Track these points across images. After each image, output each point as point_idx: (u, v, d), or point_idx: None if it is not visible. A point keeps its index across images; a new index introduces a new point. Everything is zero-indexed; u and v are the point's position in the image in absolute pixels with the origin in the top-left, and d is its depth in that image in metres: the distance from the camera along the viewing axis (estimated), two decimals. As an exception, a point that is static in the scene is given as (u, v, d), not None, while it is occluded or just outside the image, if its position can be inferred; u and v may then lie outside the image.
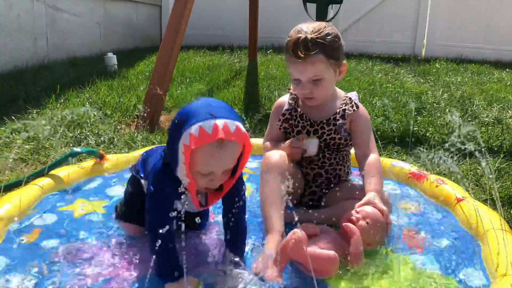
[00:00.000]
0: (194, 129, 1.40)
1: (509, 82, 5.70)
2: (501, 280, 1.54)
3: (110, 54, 5.81)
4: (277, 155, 1.95)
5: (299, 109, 2.15)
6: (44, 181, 2.23)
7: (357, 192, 1.94)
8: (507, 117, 4.03)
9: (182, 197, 1.50)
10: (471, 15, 8.07)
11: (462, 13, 8.15)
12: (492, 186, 2.17)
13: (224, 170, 1.51)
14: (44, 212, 2.06)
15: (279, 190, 1.83)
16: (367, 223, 1.77)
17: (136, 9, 8.63)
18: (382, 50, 8.45)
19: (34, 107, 3.77)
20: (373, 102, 4.20)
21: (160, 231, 1.44)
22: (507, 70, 6.85)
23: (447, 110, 4.19)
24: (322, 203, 2.11)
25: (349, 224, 1.75)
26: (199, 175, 1.51)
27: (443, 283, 1.63)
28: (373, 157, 2.03)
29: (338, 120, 2.09)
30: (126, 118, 3.68)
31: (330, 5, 5.18)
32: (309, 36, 1.92)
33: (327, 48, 1.93)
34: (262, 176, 1.93)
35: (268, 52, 7.91)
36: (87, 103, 3.97)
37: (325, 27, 1.96)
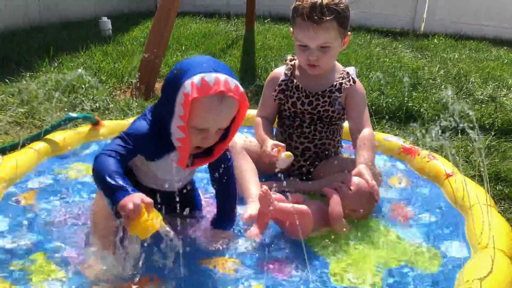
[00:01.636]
0: (196, 79, 1.38)
1: (506, 61, 5.71)
2: (482, 252, 1.60)
3: (104, 19, 5.71)
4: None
5: (295, 80, 2.16)
6: (40, 145, 2.25)
7: (346, 166, 1.98)
8: (501, 95, 4.06)
9: (171, 156, 1.50)
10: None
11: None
12: (480, 162, 2.21)
13: (218, 129, 1.49)
14: (40, 175, 2.09)
15: (253, 166, 2.02)
16: (350, 189, 1.83)
17: (132, -28, 8.42)
18: (381, 24, 8.35)
19: (27, 70, 3.74)
20: (370, 76, 4.20)
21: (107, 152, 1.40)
22: (505, 48, 6.84)
23: (442, 86, 4.20)
24: (310, 176, 2.17)
25: (328, 188, 1.84)
26: (193, 132, 1.46)
27: (425, 253, 1.70)
28: (366, 131, 2.06)
29: (334, 92, 2.11)
30: (121, 85, 3.66)
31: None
32: (324, 2, 1.93)
33: (340, 16, 1.96)
34: (238, 150, 2.03)
35: (266, 21, 7.80)
36: (81, 67, 3.94)
37: None
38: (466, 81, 4.45)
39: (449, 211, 1.99)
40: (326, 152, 2.19)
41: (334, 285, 1.50)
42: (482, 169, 2.20)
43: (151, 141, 1.49)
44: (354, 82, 2.12)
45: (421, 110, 3.37)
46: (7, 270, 1.47)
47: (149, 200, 1.30)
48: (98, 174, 1.37)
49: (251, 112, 2.88)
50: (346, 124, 2.21)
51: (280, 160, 1.91)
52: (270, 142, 1.99)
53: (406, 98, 3.44)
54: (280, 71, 2.23)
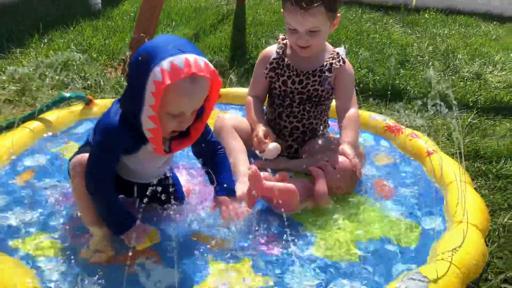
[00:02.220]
0: (165, 64, 1.33)
1: (494, 36, 5.76)
2: (456, 226, 1.71)
3: (94, -8, 5.63)
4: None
5: (286, 59, 2.21)
6: (35, 124, 2.30)
7: (332, 146, 2.06)
8: (487, 72, 4.13)
9: (143, 147, 1.51)
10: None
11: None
12: (459, 140, 2.30)
13: (193, 111, 1.47)
14: (36, 154, 2.15)
15: (242, 144, 2.12)
16: (334, 168, 1.93)
17: None
18: (373, -3, 8.30)
19: (18, 46, 3.73)
20: (359, 53, 4.24)
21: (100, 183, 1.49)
22: (494, 22, 6.87)
23: (430, 63, 4.26)
24: (297, 155, 2.25)
25: (314, 167, 1.95)
26: (168, 118, 1.43)
27: (405, 226, 1.81)
28: (352, 111, 2.14)
29: (324, 72, 2.17)
30: (113, 61, 3.68)
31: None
32: None
33: (329, 1, 1.99)
34: (229, 130, 2.13)
35: (257, -5, 7.71)
36: (72, 44, 3.93)
37: None
38: (453, 58, 4.51)
39: (429, 187, 2.09)
40: (314, 132, 2.26)
41: (317, 258, 1.61)
42: (461, 147, 2.29)
43: (126, 136, 1.47)
44: (344, 62, 2.18)
45: (408, 88, 3.44)
46: (7, 248, 1.54)
47: (148, 229, 1.54)
48: (98, 207, 1.53)
49: (242, 91, 2.95)
50: (333, 103, 2.28)
51: (267, 150, 2.00)
52: (262, 128, 2.07)
53: (392, 78, 3.49)
54: (272, 49, 2.27)
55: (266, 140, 2.02)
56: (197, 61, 1.36)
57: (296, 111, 2.21)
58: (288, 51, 2.23)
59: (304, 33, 2.06)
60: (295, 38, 2.09)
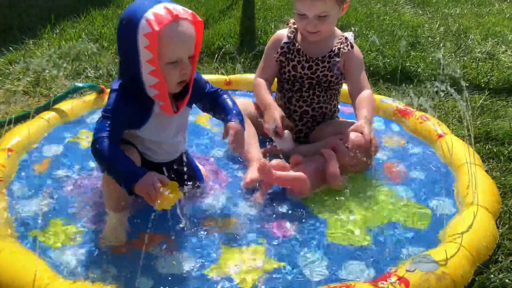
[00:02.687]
0: (148, 15, 1.40)
1: (508, 15, 5.64)
2: (467, 208, 1.72)
3: (103, -19, 5.63)
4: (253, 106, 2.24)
5: (297, 44, 2.22)
6: (50, 115, 2.36)
7: (342, 129, 2.08)
8: (500, 52, 4.07)
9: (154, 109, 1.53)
10: None
11: None
12: (469, 123, 2.29)
13: (189, 56, 1.52)
14: (52, 144, 2.20)
15: (254, 129, 2.13)
16: (347, 147, 1.94)
17: None
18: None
19: (30, 37, 3.78)
20: (369, 36, 4.21)
21: (106, 137, 1.43)
22: (508, 0, 6.72)
23: (441, 44, 4.21)
24: (307, 139, 2.27)
25: (325, 149, 1.96)
26: (169, 69, 1.48)
27: (415, 209, 1.83)
28: (366, 92, 2.15)
29: (332, 58, 2.17)
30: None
31: None
32: None
33: None
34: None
35: (266, -22, 7.64)
36: (83, 34, 3.97)
37: None
38: (465, 38, 4.45)
39: (439, 170, 2.09)
40: (324, 116, 2.28)
41: (328, 242, 1.64)
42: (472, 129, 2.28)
43: (131, 106, 1.51)
44: (352, 47, 2.18)
45: (418, 70, 3.41)
46: (26, 238, 1.60)
47: (162, 176, 1.41)
48: (104, 164, 1.45)
49: (251, 77, 2.96)
50: (345, 87, 2.29)
51: (283, 139, 2.03)
52: (278, 112, 2.08)
53: (402, 60, 3.46)
54: (283, 33, 2.27)
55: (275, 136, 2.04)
56: (175, 7, 1.46)
57: (306, 96, 2.23)
58: (299, 36, 2.23)
59: (313, 18, 2.07)
60: (304, 23, 2.10)
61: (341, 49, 2.17)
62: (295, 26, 2.25)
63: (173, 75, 1.50)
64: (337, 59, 2.17)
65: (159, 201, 1.38)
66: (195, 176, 1.85)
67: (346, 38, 2.20)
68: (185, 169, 1.59)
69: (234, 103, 1.79)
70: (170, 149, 1.71)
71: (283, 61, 2.23)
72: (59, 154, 2.12)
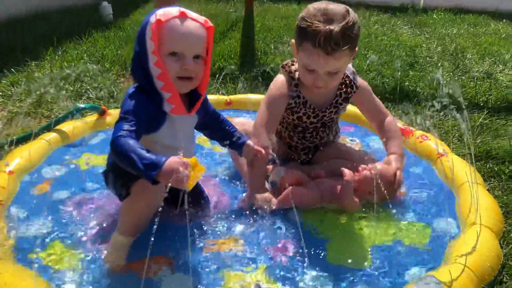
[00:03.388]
0: (157, 11, 1.52)
1: (503, 35, 5.72)
2: (469, 228, 1.71)
3: (105, 3, 5.73)
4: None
5: (301, 95, 2.05)
6: (51, 136, 2.36)
7: (345, 152, 2.08)
8: (497, 71, 4.11)
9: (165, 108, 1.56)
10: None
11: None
12: (469, 142, 2.30)
13: (194, 56, 1.55)
14: (53, 165, 2.20)
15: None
16: (371, 173, 1.91)
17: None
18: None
19: (33, 59, 3.82)
20: (367, 56, 4.25)
21: (126, 129, 1.42)
22: (504, 21, 6.82)
23: (439, 64, 4.26)
24: (310, 162, 2.26)
25: (345, 169, 1.93)
26: (169, 60, 1.52)
27: (418, 229, 1.82)
28: (388, 120, 2.12)
29: (341, 104, 2.11)
30: (125, 71, 3.74)
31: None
32: (338, 29, 1.74)
33: (354, 41, 1.81)
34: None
35: (265, 0, 7.78)
36: (84, 55, 4.01)
37: (349, 13, 1.80)
38: (463, 58, 4.50)
39: (441, 189, 2.09)
40: (326, 144, 2.25)
41: (330, 263, 1.62)
42: (472, 148, 2.29)
43: (147, 105, 1.54)
44: (357, 87, 2.09)
45: (417, 89, 3.44)
46: (27, 259, 1.58)
47: (181, 159, 1.35)
48: (124, 158, 1.38)
49: (252, 97, 2.99)
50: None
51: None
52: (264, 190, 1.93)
53: (399, 80, 3.49)
54: (283, 85, 2.03)
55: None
56: (189, 11, 1.55)
57: (308, 136, 2.18)
58: (301, 87, 2.05)
59: (323, 74, 1.88)
60: (311, 77, 1.91)
61: (348, 94, 2.09)
62: (296, 72, 2.03)
63: (173, 67, 1.54)
64: (345, 104, 2.11)
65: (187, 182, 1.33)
66: (201, 195, 1.86)
67: (348, 76, 2.08)
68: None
69: (234, 126, 1.87)
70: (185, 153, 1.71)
71: (288, 112, 2.09)
72: (59, 176, 2.12)
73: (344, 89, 2.08)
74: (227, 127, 1.86)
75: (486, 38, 5.50)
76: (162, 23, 1.49)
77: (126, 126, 1.45)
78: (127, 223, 1.61)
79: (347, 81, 2.08)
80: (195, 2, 7.37)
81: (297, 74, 2.03)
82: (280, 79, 2.07)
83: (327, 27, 1.74)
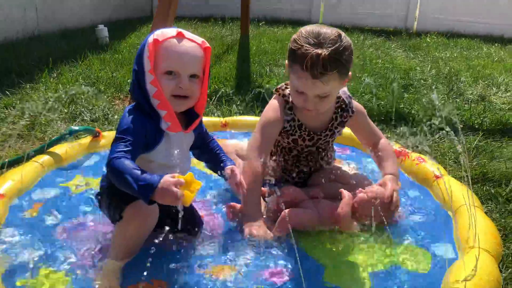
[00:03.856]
0: (156, 32, 1.56)
1: (496, 58, 5.80)
2: (468, 252, 1.69)
3: (101, 26, 5.78)
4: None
5: (296, 118, 2.04)
6: (44, 158, 2.33)
7: (340, 176, 2.06)
8: (491, 94, 4.15)
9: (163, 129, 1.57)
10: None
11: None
12: (466, 164, 2.29)
13: (190, 75, 1.56)
14: (45, 188, 2.16)
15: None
16: (367, 195, 1.89)
17: (127, -22, 8.50)
18: (374, 23, 8.44)
19: (28, 81, 3.82)
20: (362, 79, 4.28)
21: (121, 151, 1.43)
22: (496, 44, 6.94)
23: (433, 87, 4.29)
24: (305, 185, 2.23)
25: (344, 190, 1.92)
26: (164, 79, 1.54)
27: (415, 253, 1.79)
28: (383, 142, 2.13)
29: (336, 128, 2.11)
30: (120, 94, 3.74)
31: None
32: (326, 53, 1.73)
33: (343, 67, 1.79)
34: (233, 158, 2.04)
35: (261, 24, 7.88)
36: (80, 78, 4.02)
37: (341, 38, 1.79)
38: (457, 81, 4.54)
39: (438, 212, 2.07)
40: (321, 168, 2.24)
41: (327, 287, 1.59)
42: (466, 171, 2.28)
43: (144, 124, 1.55)
44: (353, 112, 2.09)
45: (412, 112, 3.45)
46: (14, 285, 1.53)
47: (175, 177, 1.37)
48: (120, 179, 1.40)
49: (248, 119, 2.98)
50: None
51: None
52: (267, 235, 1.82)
53: (395, 102, 3.51)
54: (277, 110, 2.02)
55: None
56: (187, 32, 1.59)
57: (303, 160, 2.17)
58: (296, 110, 2.04)
59: (312, 97, 1.87)
60: (302, 100, 1.90)
61: (344, 119, 2.09)
62: (289, 95, 2.03)
63: (168, 86, 1.56)
64: (341, 128, 2.12)
65: (183, 200, 1.36)
66: (195, 218, 1.84)
67: (343, 100, 2.08)
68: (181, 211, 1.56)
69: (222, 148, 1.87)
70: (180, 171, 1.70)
71: (283, 135, 2.08)
72: (51, 199, 2.08)
73: (340, 113, 2.08)
74: (214, 149, 1.84)
75: (479, 61, 5.58)
76: (159, 43, 1.53)
77: (122, 147, 1.46)
78: (119, 247, 1.59)
79: (343, 105, 2.08)
80: (192, 26, 7.46)
81: (288, 97, 2.03)
82: (274, 103, 2.06)
83: (315, 51, 1.74)
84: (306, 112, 1.96)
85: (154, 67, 1.53)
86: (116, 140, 1.51)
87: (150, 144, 1.59)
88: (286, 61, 1.93)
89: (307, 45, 1.77)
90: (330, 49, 1.74)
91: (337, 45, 1.76)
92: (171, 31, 1.57)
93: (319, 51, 1.74)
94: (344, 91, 2.09)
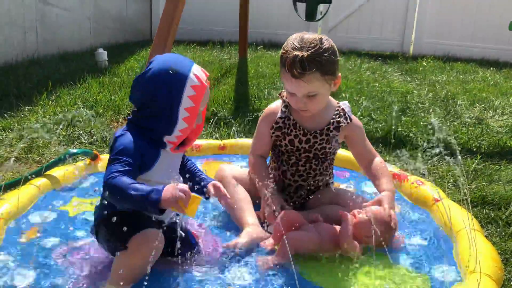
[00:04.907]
0: (195, 70, 1.63)
1: (492, 82, 5.86)
2: (469, 276, 1.66)
3: (100, 50, 5.83)
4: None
5: (291, 117, 2.14)
6: (41, 181, 2.31)
7: (340, 198, 2.05)
8: (488, 117, 4.17)
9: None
10: (459, 13, 8.20)
11: (450, 11, 8.27)
12: (465, 187, 2.29)
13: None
14: (41, 211, 2.14)
15: (247, 195, 2.12)
16: (367, 217, 1.88)
17: (126, 3, 8.62)
18: (371, 47, 8.55)
19: (26, 104, 3.82)
20: (360, 102, 4.31)
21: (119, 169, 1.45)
22: (491, 68, 7.02)
23: (431, 110, 4.32)
24: (303, 207, 2.22)
25: (344, 212, 1.90)
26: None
27: (416, 278, 1.76)
28: (377, 160, 2.14)
29: (331, 131, 2.13)
30: (118, 116, 3.75)
31: (320, 4, 5.27)
32: (305, 54, 1.89)
33: (323, 66, 1.92)
34: (230, 180, 2.14)
35: (259, 48, 7.98)
36: (78, 100, 4.03)
37: (321, 41, 1.94)
38: (453, 104, 4.58)
39: (438, 236, 2.05)
40: (319, 187, 2.24)
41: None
42: (465, 194, 2.27)
43: (140, 144, 1.57)
44: (351, 120, 2.14)
45: (410, 134, 3.46)
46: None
47: (179, 185, 1.43)
48: (122, 195, 1.41)
49: (246, 141, 2.98)
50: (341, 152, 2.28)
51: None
52: (280, 204, 2.01)
53: (394, 125, 3.52)
54: (276, 106, 2.19)
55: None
56: (202, 69, 1.70)
57: (302, 170, 2.17)
58: (292, 109, 2.16)
59: (302, 97, 2.00)
60: (293, 100, 2.05)
61: (341, 123, 2.12)
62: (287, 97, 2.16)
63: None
64: (336, 133, 2.13)
65: (187, 208, 1.44)
66: (191, 241, 1.82)
67: (343, 109, 2.15)
68: (182, 234, 1.63)
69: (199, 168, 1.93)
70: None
71: (279, 135, 2.15)
72: (48, 222, 2.06)
73: (338, 119, 2.14)
74: (193, 170, 1.89)
75: (475, 85, 5.63)
76: (205, 88, 1.65)
77: (118, 167, 1.47)
78: (123, 276, 1.56)
79: (342, 113, 2.15)
80: (190, 50, 7.54)
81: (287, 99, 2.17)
82: (269, 105, 2.26)
83: (295, 53, 1.91)
84: (302, 113, 2.09)
85: (197, 106, 1.63)
86: (111, 162, 1.51)
87: (148, 163, 1.59)
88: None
89: (290, 50, 1.94)
90: (309, 51, 1.91)
91: (316, 47, 1.92)
92: (203, 74, 1.67)
93: (298, 52, 1.91)
94: (345, 103, 2.21)
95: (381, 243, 1.85)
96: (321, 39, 1.95)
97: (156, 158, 1.62)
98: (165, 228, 1.58)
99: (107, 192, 1.45)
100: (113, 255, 1.61)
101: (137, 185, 1.42)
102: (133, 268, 1.55)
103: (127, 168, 1.48)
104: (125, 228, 1.47)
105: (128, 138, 1.57)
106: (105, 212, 1.61)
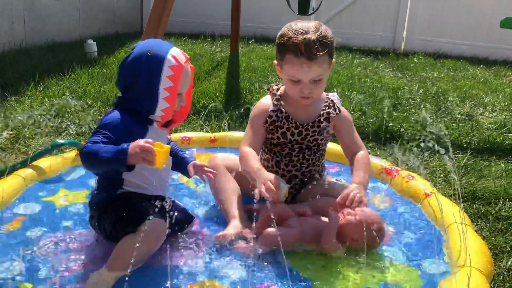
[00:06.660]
0: (173, 52, 1.70)
1: (482, 79, 5.89)
2: (459, 271, 1.66)
3: (89, 41, 5.75)
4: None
5: (284, 110, 2.14)
6: (27, 172, 2.27)
7: (331, 190, 2.04)
8: (478, 113, 4.19)
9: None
10: (450, 10, 8.23)
11: (441, 9, 8.30)
12: (456, 182, 2.29)
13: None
14: (27, 202, 2.10)
15: (236, 185, 2.13)
16: (355, 218, 1.86)
17: (117, -6, 8.51)
18: (362, 43, 8.54)
19: (13, 94, 3.75)
20: (351, 97, 4.30)
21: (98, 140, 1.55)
22: (481, 66, 7.05)
23: (422, 106, 4.33)
24: (295, 200, 2.21)
25: (332, 212, 1.89)
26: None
27: (406, 272, 1.76)
28: (361, 153, 2.13)
29: (322, 122, 2.14)
30: (107, 108, 3.69)
31: (312, -1, 5.24)
32: (314, 37, 1.93)
33: (331, 48, 1.99)
34: (221, 170, 2.13)
35: (250, 42, 7.93)
36: (67, 91, 3.96)
37: (320, 25, 1.99)
38: (444, 100, 4.59)
39: (429, 230, 2.05)
40: (312, 177, 2.23)
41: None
42: (457, 188, 2.27)
43: (129, 125, 1.66)
44: (340, 110, 2.16)
45: (401, 130, 3.46)
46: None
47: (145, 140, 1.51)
48: (93, 159, 1.52)
49: (237, 135, 2.95)
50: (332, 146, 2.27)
51: (280, 192, 1.91)
52: (272, 175, 1.93)
53: (385, 120, 3.52)
54: (267, 101, 2.18)
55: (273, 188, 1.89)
56: (182, 52, 1.77)
57: (295, 160, 2.17)
58: (285, 102, 2.15)
59: (308, 83, 2.01)
60: (298, 88, 2.02)
61: (330, 114, 2.13)
62: (279, 92, 2.17)
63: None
64: (327, 124, 2.13)
65: (157, 158, 1.50)
66: (187, 217, 1.91)
67: (332, 101, 2.17)
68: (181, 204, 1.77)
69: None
70: (164, 178, 1.85)
71: (272, 129, 2.14)
72: (32, 214, 2.01)
73: (328, 110, 2.15)
74: (174, 150, 1.97)
75: (466, 82, 5.65)
76: (182, 68, 1.70)
77: (96, 138, 1.56)
78: (124, 259, 1.53)
79: (331, 104, 2.17)
80: (181, 42, 7.47)
81: (279, 92, 2.19)
82: (262, 98, 2.24)
83: (305, 36, 1.93)
84: (302, 101, 2.08)
85: (175, 86, 1.69)
86: (92, 134, 1.61)
87: (137, 139, 1.59)
88: (275, 61, 2.10)
89: (295, 35, 1.95)
90: (316, 33, 1.95)
91: (320, 30, 1.97)
92: (183, 55, 1.73)
93: (308, 36, 1.93)
94: (334, 94, 2.22)
95: (372, 246, 1.85)
96: (318, 24, 2.01)
97: (144, 134, 1.71)
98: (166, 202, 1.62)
99: (82, 160, 1.56)
100: (114, 241, 1.62)
101: (106, 148, 1.52)
102: (139, 252, 1.53)
103: (104, 139, 1.56)
104: (133, 213, 1.60)
105: (116, 115, 1.67)
106: (110, 195, 1.71)
